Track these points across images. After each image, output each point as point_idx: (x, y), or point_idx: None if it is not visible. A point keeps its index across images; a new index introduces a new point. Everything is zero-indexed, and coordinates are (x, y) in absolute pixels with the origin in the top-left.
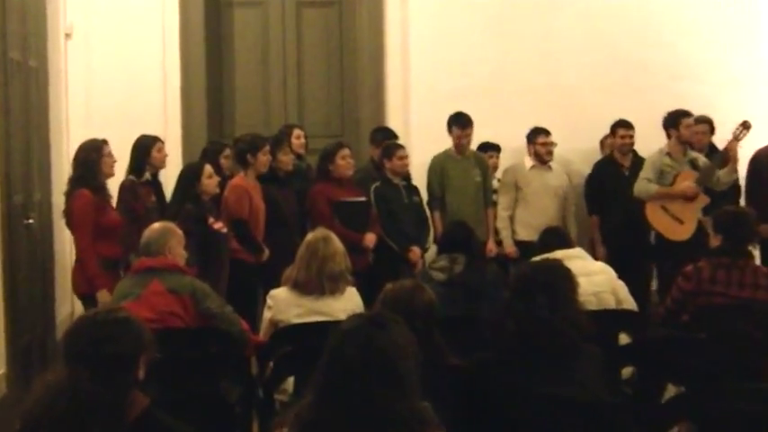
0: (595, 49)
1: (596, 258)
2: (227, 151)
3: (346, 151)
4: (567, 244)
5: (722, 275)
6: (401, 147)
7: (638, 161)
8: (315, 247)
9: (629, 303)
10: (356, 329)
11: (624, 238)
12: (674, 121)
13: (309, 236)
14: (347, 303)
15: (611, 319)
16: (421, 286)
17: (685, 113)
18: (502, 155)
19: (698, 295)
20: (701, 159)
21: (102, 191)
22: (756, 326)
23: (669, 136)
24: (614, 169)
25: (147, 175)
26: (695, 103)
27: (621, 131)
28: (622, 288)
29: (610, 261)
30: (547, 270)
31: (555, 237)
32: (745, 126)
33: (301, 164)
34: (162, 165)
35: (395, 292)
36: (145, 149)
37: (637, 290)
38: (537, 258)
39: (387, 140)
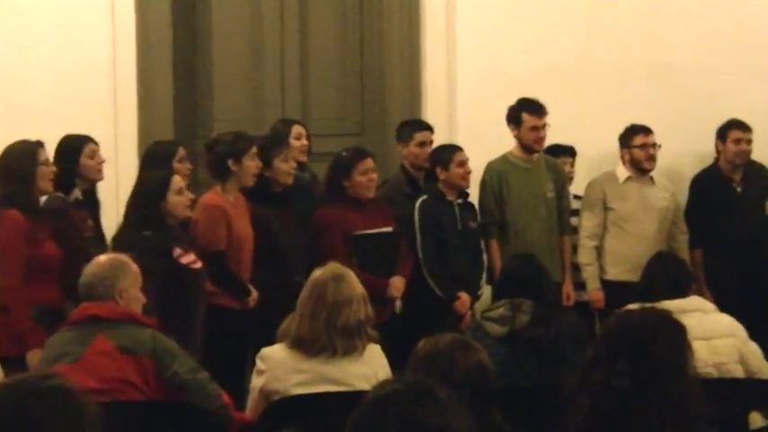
0: (716, 20)
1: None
2: (182, 152)
3: (369, 163)
4: (685, 287)
5: None
6: (459, 149)
7: (753, 172)
8: (323, 290)
9: (766, 375)
10: (392, 401)
11: (742, 281)
12: None
13: (316, 273)
14: (368, 367)
15: (739, 392)
16: (466, 343)
17: None
18: (579, 162)
19: None
20: None
21: (36, 212)
22: None
23: None
24: (722, 185)
25: (77, 192)
26: None
27: (736, 134)
28: (755, 354)
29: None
30: (642, 324)
31: (670, 274)
32: None
33: (303, 175)
34: (97, 175)
35: (429, 352)
36: (71, 155)
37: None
38: (634, 306)
39: (417, 131)
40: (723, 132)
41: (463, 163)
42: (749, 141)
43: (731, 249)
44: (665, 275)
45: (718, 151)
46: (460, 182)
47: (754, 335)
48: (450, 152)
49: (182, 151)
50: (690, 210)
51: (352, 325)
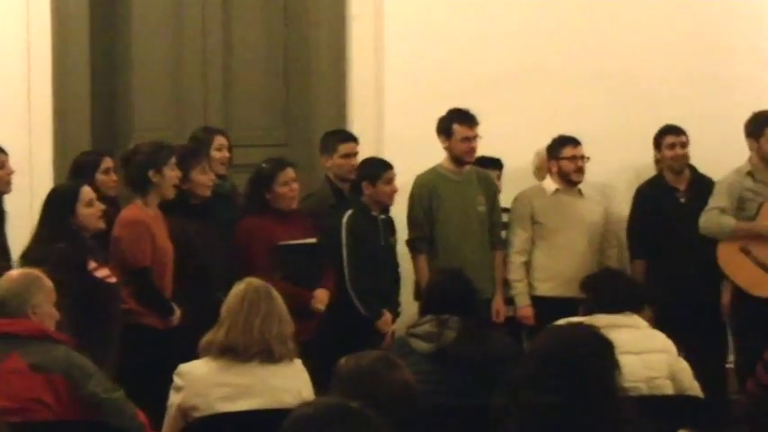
0: (657, 25)
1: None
2: (108, 163)
3: (290, 173)
4: (622, 303)
5: None
6: (389, 166)
7: (699, 184)
8: (255, 299)
9: (695, 392)
10: (313, 422)
11: (683, 295)
12: (758, 127)
13: (241, 285)
14: (291, 381)
15: (669, 409)
16: (391, 361)
17: None
18: (515, 174)
19: None
20: None
21: None
22: None
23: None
24: (666, 195)
25: None
26: None
27: (669, 139)
28: (686, 371)
29: (661, 325)
30: (570, 341)
31: (613, 288)
32: None
33: (225, 185)
34: (5, 187)
35: (352, 370)
36: None
37: (706, 368)
38: (562, 322)
39: (341, 143)
40: (658, 140)
41: (391, 181)
42: (683, 145)
43: (673, 261)
44: (612, 286)
45: (658, 160)
46: (386, 200)
47: (693, 347)
48: (379, 169)
49: (108, 162)
50: (633, 220)
51: (285, 334)
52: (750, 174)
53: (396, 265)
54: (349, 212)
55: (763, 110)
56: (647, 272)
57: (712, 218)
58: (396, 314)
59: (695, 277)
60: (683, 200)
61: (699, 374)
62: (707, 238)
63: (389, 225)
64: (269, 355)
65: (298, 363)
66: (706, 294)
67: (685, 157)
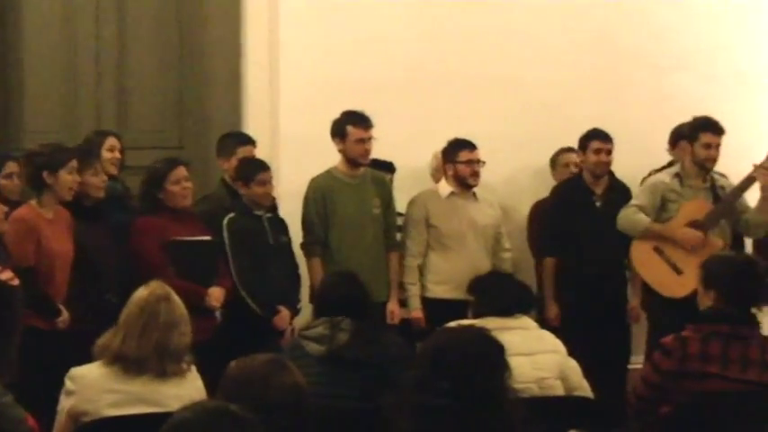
0: (552, 30)
1: (546, 318)
2: (11, 167)
3: (181, 171)
4: (517, 306)
5: (717, 349)
6: (263, 166)
7: (617, 190)
8: (154, 311)
9: (585, 391)
10: (190, 426)
11: (589, 295)
12: (695, 131)
13: (143, 292)
14: (183, 389)
15: (559, 410)
16: (281, 364)
17: (712, 126)
18: (412, 177)
19: (683, 378)
20: (729, 188)
21: None
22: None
23: (679, 151)
24: (583, 196)
25: None
26: (682, 104)
27: (596, 144)
28: (575, 371)
29: (567, 324)
30: (460, 343)
31: (502, 291)
32: None
33: (116, 186)
34: None
35: (241, 374)
36: None
37: (609, 369)
38: (453, 324)
39: (240, 146)
40: (584, 142)
41: (264, 182)
42: (609, 152)
43: (583, 263)
44: (498, 293)
45: (580, 161)
46: (262, 200)
47: (597, 350)
48: (252, 170)
49: (11, 166)
50: (548, 216)
51: (182, 347)
52: (678, 176)
53: (293, 264)
54: (230, 216)
55: (704, 115)
56: (557, 270)
57: (628, 215)
58: (295, 311)
59: (601, 279)
60: (598, 203)
61: (601, 373)
62: (617, 242)
63: (278, 224)
64: (161, 373)
65: (191, 371)
66: (611, 296)
67: (609, 163)
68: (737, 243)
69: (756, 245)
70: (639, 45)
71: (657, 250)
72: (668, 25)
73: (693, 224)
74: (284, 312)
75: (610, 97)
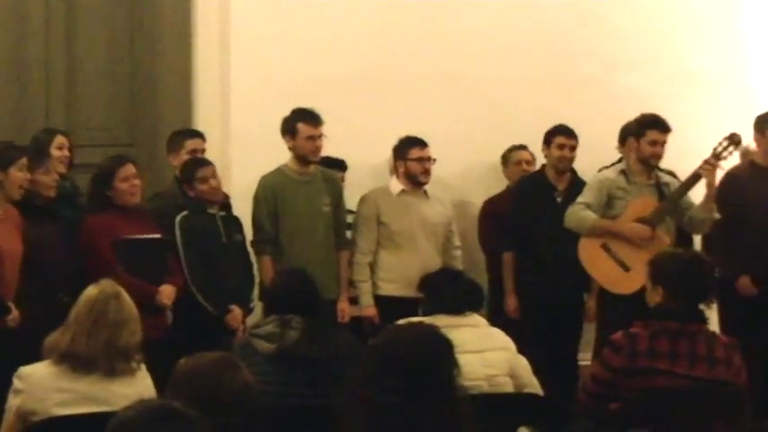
0: (503, 28)
1: (502, 313)
2: None
3: (130, 169)
4: (461, 303)
5: (665, 346)
6: (202, 162)
7: (577, 185)
8: (104, 309)
9: (534, 388)
10: (133, 425)
11: (549, 289)
12: (641, 129)
13: (93, 290)
14: (134, 388)
15: (509, 407)
16: (230, 362)
17: (658, 123)
18: (360, 174)
19: (632, 374)
20: (674, 186)
21: None
22: (717, 417)
23: (627, 149)
24: (544, 191)
25: None
26: (635, 102)
27: (560, 139)
28: (525, 368)
29: (524, 317)
30: (410, 341)
31: (452, 289)
32: (733, 141)
33: (65, 184)
34: None
35: (191, 372)
36: None
37: (561, 365)
38: (403, 322)
39: (188, 140)
40: (549, 137)
41: (206, 179)
42: (573, 148)
43: (542, 258)
44: (447, 291)
45: (544, 156)
46: (210, 197)
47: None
48: (193, 168)
49: None
50: (509, 211)
51: (132, 346)
52: (624, 173)
53: (247, 262)
54: (182, 214)
55: (651, 112)
56: (516, 264)
57: (575, 212)
58: (248, 310)
59: (561, 275)
60: (559, 199)
61: (553, 369)
62: (577, 239)
63: (232, 223)
64: (110, 371)
65: (141, 369)
66: (569, 292)
67: (572, 159)
68: (686, 240)
69: (705, 242)
70: (592, 44)
71: (605, 247)
72: (620, 24)
73: (640, 221)
74: (236, 311)
75: (562, 95)
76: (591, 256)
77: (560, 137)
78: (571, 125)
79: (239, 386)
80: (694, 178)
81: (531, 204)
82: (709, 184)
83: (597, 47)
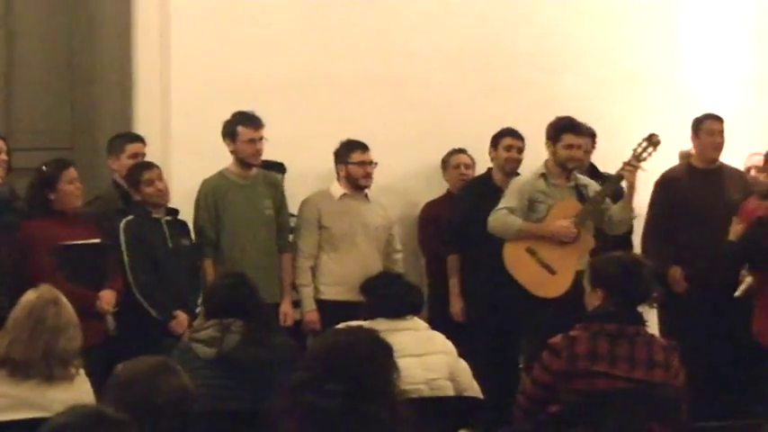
0: (442, 32)
1: (443, 316)
2: None
3: (73, 172)
4: (408, 308)
5: (605, 348)
6: (147, 165)
7: None
8: (42, 315)
9: (474, 392)
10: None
11: (494, 292)
12: (557, 132)
13: (31, 295)
14: (72, 394)
15: (450, 410)
16: (168, 366)
17: (573, 127)
18: (300, 178)
19: (571, 377)
20: (593, 187)
21: None
22: (654, 419)
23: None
24: (490, 193)
25: None
26: (574, 105)
27: (507, 141)
28: (465, 372)
29: (469, 320)
30: (349, 345)
31: (392, 292)
32: (652, 142)
33: (2, 189)
34: None
35: (128, 376)
36: None
37: (498, 368)
38: (342, 326)
39: (128, 143)
40: (496, 139)
41: (151, 181)
42: (520, 150)
43: (486, 260)
44: (388, 295)
45: (491, 158)
46: (157, 200)
47: (496, 348)
48: (138, 172)
49: None
50: (455, 213)
51: (70, 352)
52: (544, 176)
53: (195, 267)
54: (127, 218)
55: (566, 116)
56: (462, 267)
57: (500, 217)
58: (194, 315)
59: (506, 277)
60: None
61: (495, 372)
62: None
63: (179, 227)
64: (49, 377)
65: (80, 375)
66: (514, 295)
67: (519, 161)
68: (626, 244)
69: (644, 246)
70: (530, 46)
71: (530, 251)
72: (559, 27)
73: None
74: (181, 316)
75: (501, 98)
76: (516, 260)
77: (508, 139)
78: (507, 126)
79: (175, 391)
80: (616, 179)
81: (478, 207)
82: (630, 185)
83: (536, 50)
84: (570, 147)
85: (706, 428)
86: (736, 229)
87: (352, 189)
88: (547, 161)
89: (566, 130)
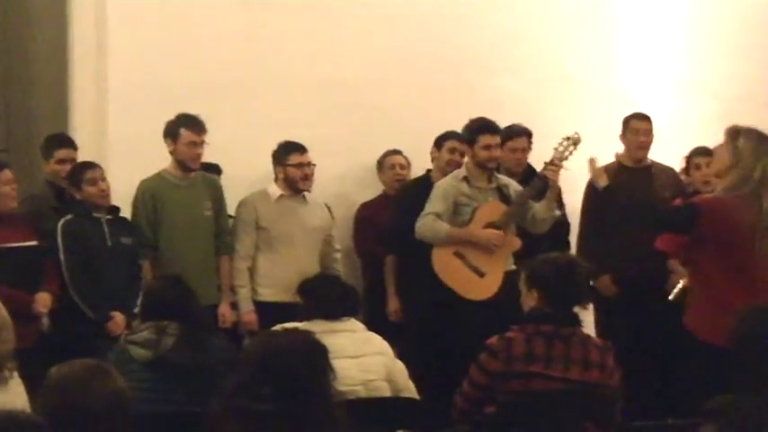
0: (386, 34)
1: (380, 318)
2: None
3: (8, 174)
4: (339, 308)
5: (541, 349)
6: (89, 165)
7: None
8: None
9: (411, 393)
10: None
11: (432, 292)
12: (473, 135)
13: None
14: (9, 397)
15: (386, 411)
16: (102, 369)
17: (488, 127)
18: (230, 180)
19: (508, 378)
20: (513, 187)
21: None
22: (589, 419)
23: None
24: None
25: None
26: (513, 107)
27: (452, 144)
28: (402, 373)
29: (406, 321)
30: (283, 348)
31: (329, 294)
32: (572, 141)
33: None
34: None
35: (61, 379)
36: None
37: (434, 369)
38: (277, 328)
39: (57, 149)
40: (440, 141)
41: (94, 181)
42: (463, 153)
43: (424, 261)
44: (325, 296)
45: (432, 159)
46: (99, 201)
47: (434, 349)
48: (78, 173)
49: None
50: (393, 214)
51: (4, 354)
52: (466, 179)
53: (134, 267)
54: (66, 217)
55: (479, 117)
56: (399, 267)
57: (427, 223)
58: (132, 316)
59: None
60: None
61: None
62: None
63: (120, 226)
64: None
65: (14, 378)
66: (452, 295)
67: (460, 165)
68: (563, 245)
69: (579, 247)
70: (470, 49)
71: (458, 255)
72: (499, 29)
73: (490, 225)
74: (118, 317)
75: (440, 100)
76: (445, 265)
77: (453, 141)
78: (450, 129)
79: (109, 393)
80: (540, 181)
81: (416, 208)
82: (553, 184)
83: (475, 52)
84: (488, 147)
85: (642, 428)
86: None
87: (289, 190)
88: (467, 163)
89: (481, 131)
